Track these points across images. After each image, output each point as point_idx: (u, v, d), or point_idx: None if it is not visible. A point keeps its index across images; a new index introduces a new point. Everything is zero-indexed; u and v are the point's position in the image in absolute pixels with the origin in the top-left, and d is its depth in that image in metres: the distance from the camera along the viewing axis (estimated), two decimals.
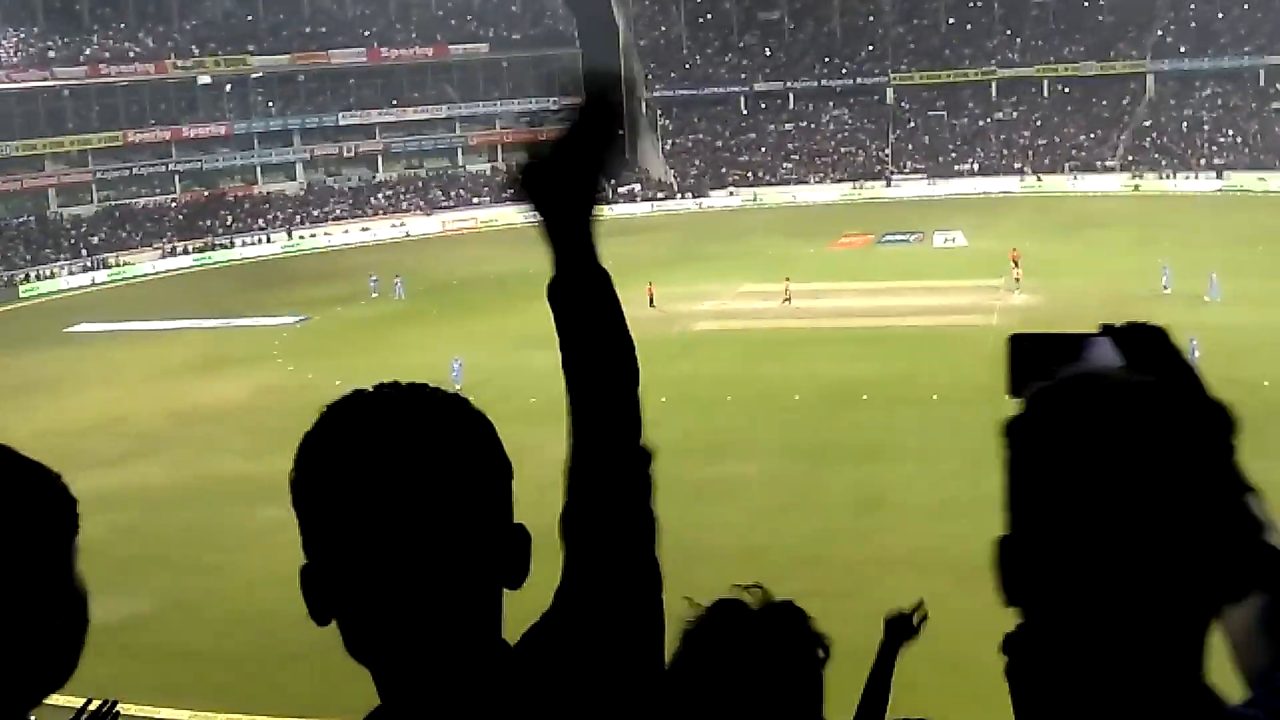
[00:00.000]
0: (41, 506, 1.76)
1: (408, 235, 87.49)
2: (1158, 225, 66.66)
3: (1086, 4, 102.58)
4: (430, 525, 1.49)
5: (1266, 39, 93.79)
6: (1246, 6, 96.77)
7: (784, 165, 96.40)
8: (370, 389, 1.59)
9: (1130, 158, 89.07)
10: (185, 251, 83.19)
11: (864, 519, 27.96)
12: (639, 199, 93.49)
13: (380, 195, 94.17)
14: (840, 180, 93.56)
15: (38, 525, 1.75)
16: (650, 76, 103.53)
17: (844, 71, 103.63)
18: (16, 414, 42.81)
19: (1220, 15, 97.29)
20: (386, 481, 1.48)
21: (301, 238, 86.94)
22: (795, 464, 32.02)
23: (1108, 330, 1.69)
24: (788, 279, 53.61)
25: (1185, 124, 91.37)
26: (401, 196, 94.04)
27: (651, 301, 53.84)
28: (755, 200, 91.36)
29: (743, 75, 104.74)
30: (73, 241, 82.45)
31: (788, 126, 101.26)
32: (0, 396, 45.42)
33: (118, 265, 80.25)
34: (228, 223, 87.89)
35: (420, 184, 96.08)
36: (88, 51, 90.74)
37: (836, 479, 30.60)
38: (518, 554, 1.61)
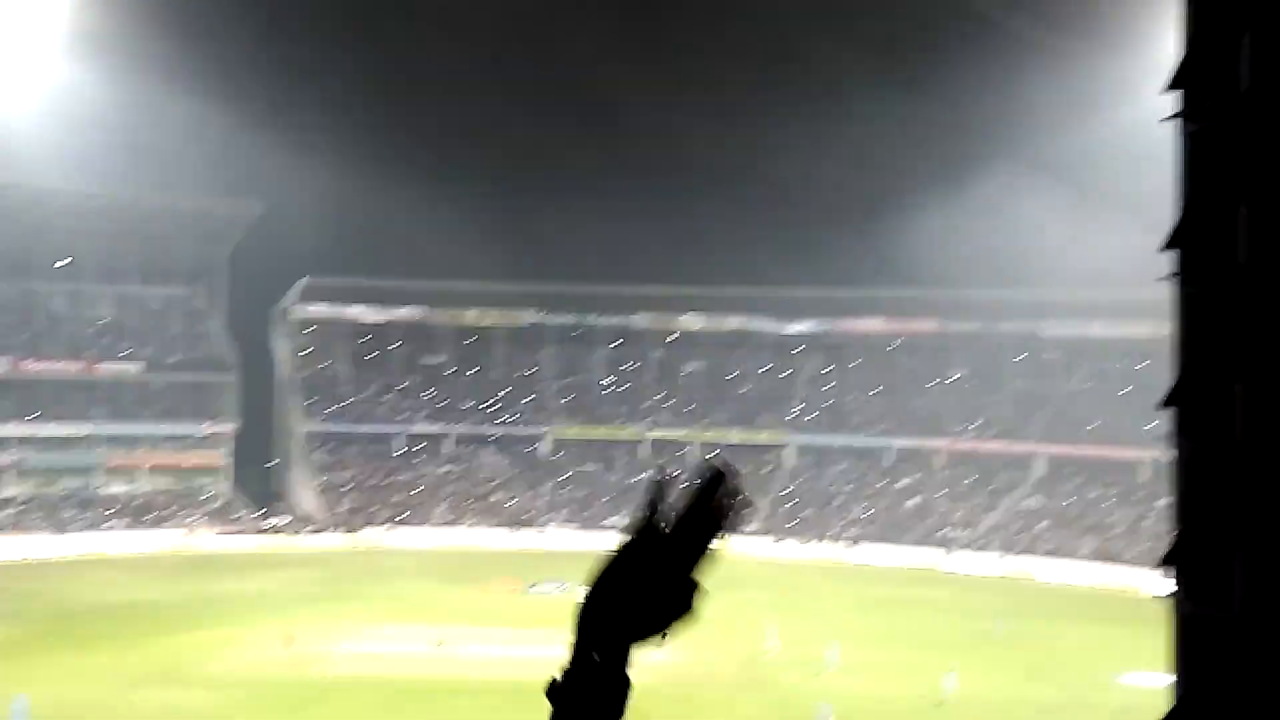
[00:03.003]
0: None
1: (29, 557, 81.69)
2: (792, 589, 69.44)
3: (732, 378, 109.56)
4: None
5: (893, 422, 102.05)
6: (874, 392, 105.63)
7: (439, 507, 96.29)
8: None
9: (771, 523, 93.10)
10: None
11: None
12: (286, 532, 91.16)
13: (5, 512, 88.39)
14: (494, 525, 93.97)
15: None
16: (308, 409, 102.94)
17: (501, 419, 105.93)
18: None
19: (850, 399, 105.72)
20: None
21: None
22: None
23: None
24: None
25: (821, 495, 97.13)
26: (27, 515, 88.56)
27: (288, 642, 51.87)
28: (407, 541, 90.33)
29: (401, 415, 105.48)
30: None
31: (444, 468, 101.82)
32: None
33: None
34: None
35: (52, 503, 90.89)
36: None
37: None
38: None
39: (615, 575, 1.94)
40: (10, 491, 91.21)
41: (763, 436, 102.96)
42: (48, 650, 49.99)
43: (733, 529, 1.95)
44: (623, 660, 1.88)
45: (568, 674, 1.89)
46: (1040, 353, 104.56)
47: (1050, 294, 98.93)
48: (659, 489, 1.95)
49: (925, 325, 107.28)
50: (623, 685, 1.87)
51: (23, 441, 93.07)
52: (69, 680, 42.35)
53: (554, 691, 1.89)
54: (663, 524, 1.95)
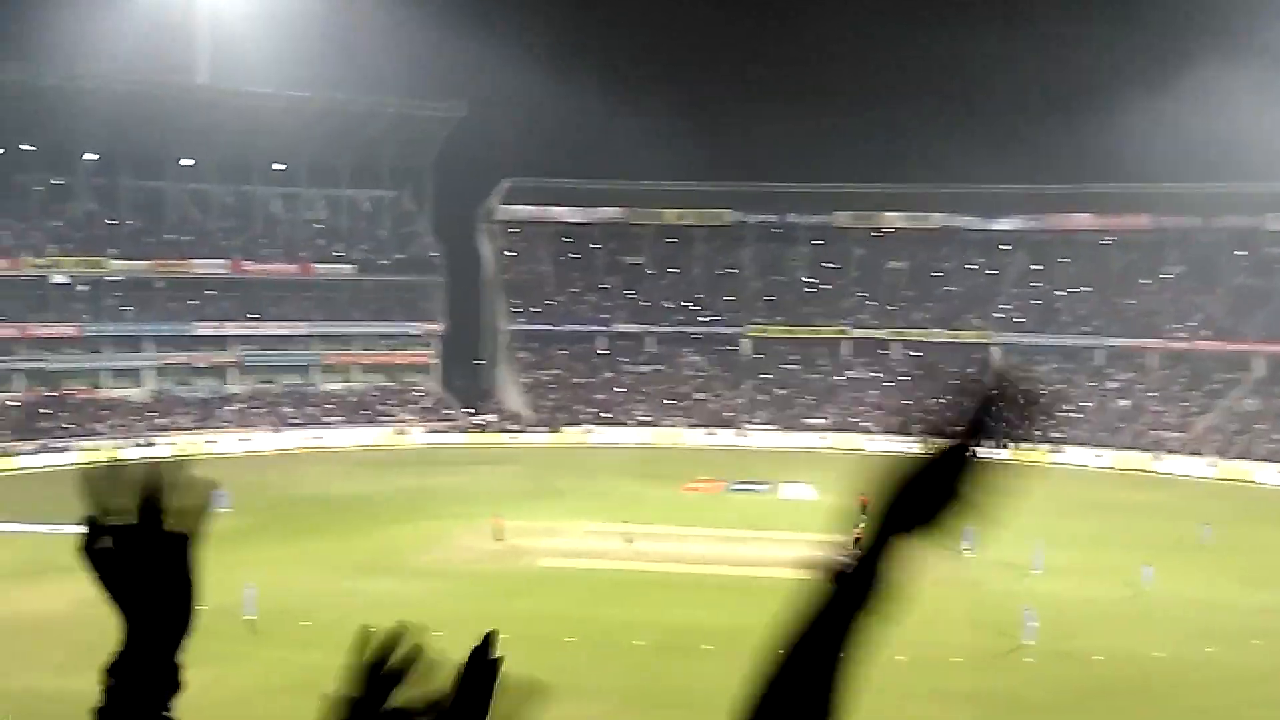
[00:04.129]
0: None
1: (254, 450, 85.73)
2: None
3: (935, 276, 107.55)
4: None
5: (1104, 321, 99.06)
6: (1084, 290, 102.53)
7: (639, 406, 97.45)
8: None
9: None
10: (19, 453, 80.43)
11: None
12: (492, 429, 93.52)
13: (229, 408, 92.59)
14: (693, 425, 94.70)
15: None
16: (513, 309, 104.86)
17: (702, 319, 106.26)
18: None
19: (1059, 297, 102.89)
20: None
21: (150, 444, 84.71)
22: (635, 711, 31.41)
23: None
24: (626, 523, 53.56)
25: None
26: (250, 411, 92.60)
27: (498, 535, 53.41)
28: (608, 438, 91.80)
29: (603, 315, 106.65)
30: None
31: (644, 369, 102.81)
32: None
33: None
34: (67, 425, 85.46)
35: (271, 399, 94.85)
36: None
37: None
38: None
39: (925, 473, 1.94)
40: (233, 388, 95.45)
41: (967, 336, 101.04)
42: (269, 540, 52.42)
43: (1028, 438, 1.91)
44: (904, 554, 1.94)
45: (861, 559, 1.92)
46: (1261, 248, 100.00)
47: (1273, 187, 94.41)
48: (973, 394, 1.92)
49: (1138, 221, 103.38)
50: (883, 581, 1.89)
51: (243, 340, 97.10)
52: (290, 569, 44.37)
53: (842, 576, 1.93)
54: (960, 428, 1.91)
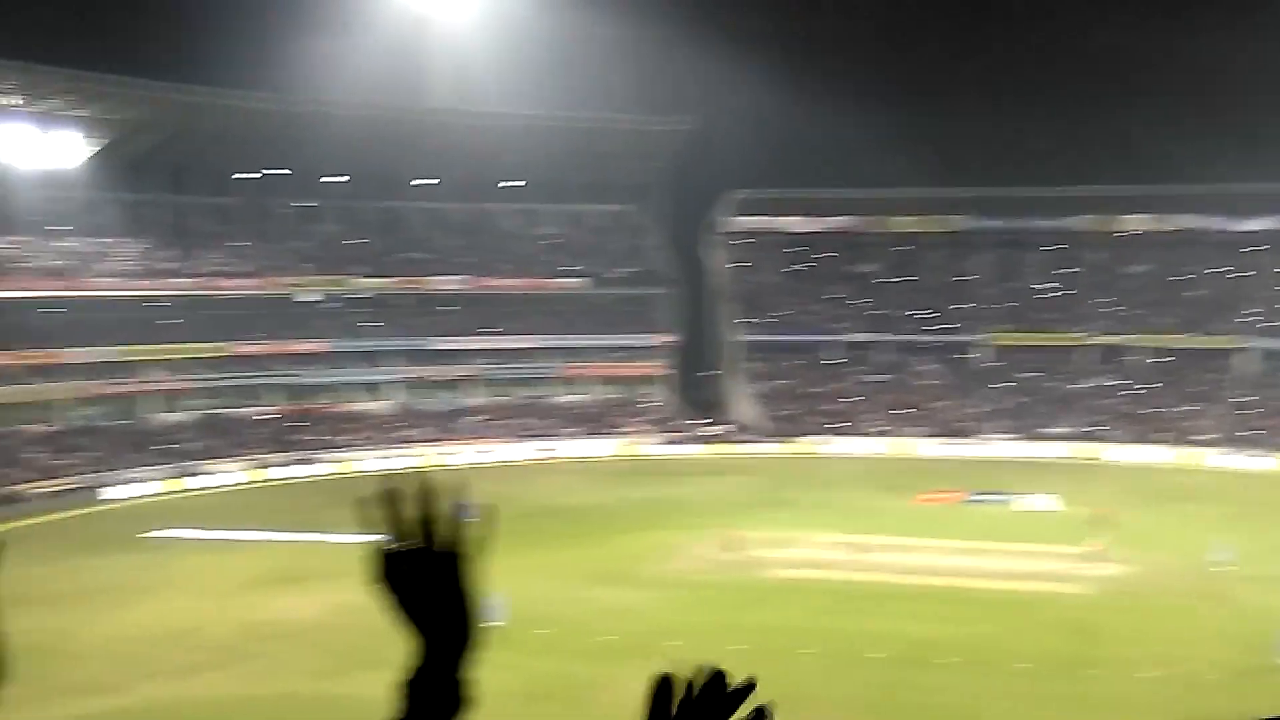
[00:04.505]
0: None
1: (491, 461, 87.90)
2: (1252, 503, 65.50)
3: (1179, 279, 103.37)
4: None
5: None
6: None
7: (872, 416, 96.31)
8: None
9: (1224, 433, 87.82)
10: (273, 465, 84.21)
11: None
12: (724, 440, 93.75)
13: (467, 420, 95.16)
14: (928, 435, 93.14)
15: None
16: (743, 319, 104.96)
17: (936, 327, 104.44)
18: (86, 619, 42.94)
19: None
20: None
21: (394, 456, 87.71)
22: None
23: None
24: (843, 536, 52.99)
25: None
26: (488, 423, 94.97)
27: (732, 546, 53.48)
28: (842, 449, 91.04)
29: (835, 324, 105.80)
30: (162, 448, 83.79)
31: (877, 378, 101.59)
32: (72, 601, 45.54)
33: (203, 474, 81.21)
34: (317, 438, 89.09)
35: (508, 411, 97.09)
36: (196, 264, 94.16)
37: None
38: None
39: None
40: (471, 401, 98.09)
41: (1214, 341, 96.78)
42: (509, 549, 53.24)
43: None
44: None
45: None
46: None
47: None
48: None
49: None
50: None
51: (481, 354, 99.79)
52: (529, 577, 45.18)
53: None
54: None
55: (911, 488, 71.34)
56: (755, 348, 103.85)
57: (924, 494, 69.82)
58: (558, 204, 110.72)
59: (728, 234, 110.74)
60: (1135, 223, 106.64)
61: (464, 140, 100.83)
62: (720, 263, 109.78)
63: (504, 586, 42.89)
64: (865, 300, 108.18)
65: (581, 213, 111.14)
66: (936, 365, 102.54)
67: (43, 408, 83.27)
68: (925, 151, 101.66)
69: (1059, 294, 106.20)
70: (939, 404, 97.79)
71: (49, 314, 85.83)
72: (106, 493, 74.90)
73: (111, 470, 78.20)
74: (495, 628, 39.60)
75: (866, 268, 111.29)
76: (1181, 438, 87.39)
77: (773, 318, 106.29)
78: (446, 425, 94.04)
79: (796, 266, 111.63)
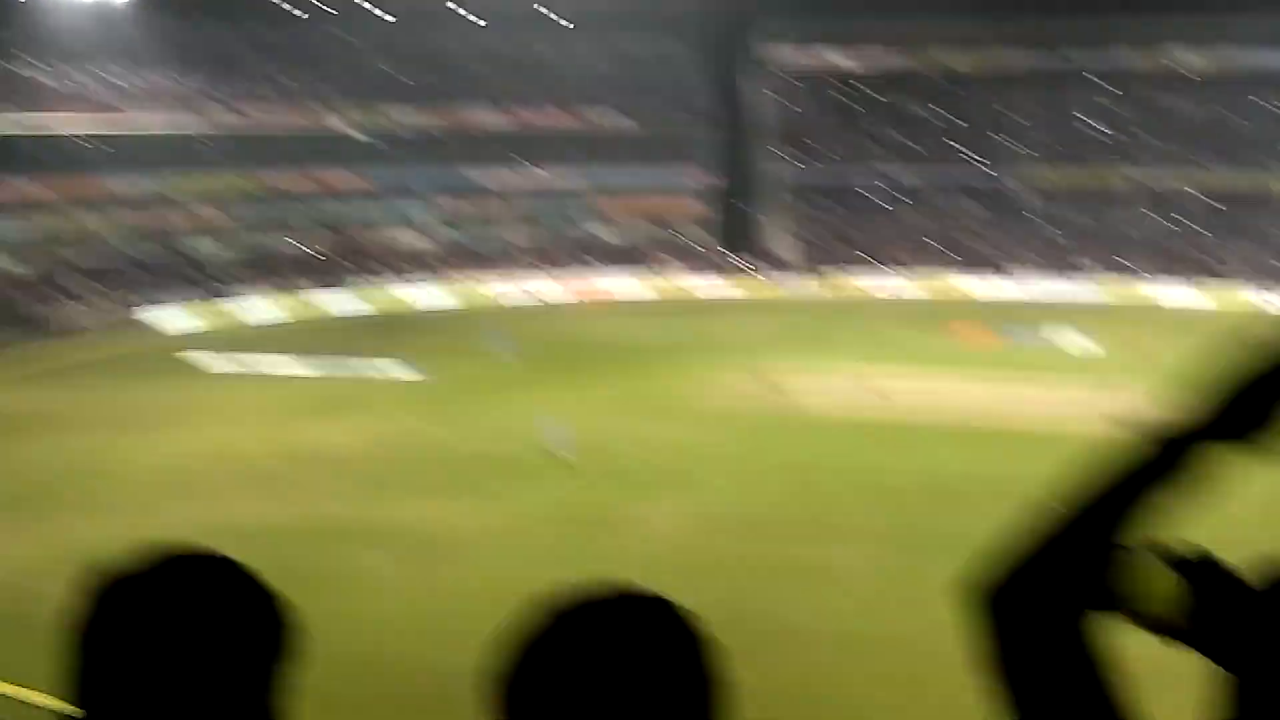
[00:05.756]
0: (251, 627, 1.78)
1: (535, 298, 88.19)
2: None
3: (1234, 120, 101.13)
4: None
5: None
6: None
7: (911, 254, 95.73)
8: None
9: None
10: (313, 297, 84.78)
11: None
12: (761, 276, 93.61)
13: (512, 256, 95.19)
14: (967, 272, 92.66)
15: (242, 646, 1.75)
16: (784, 156, 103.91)
17: (979, 165, 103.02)
18: (126, 443, 43.79)
19: None
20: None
21: (435, 291, 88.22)
22: (902, 554, 31.56)
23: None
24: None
25: None
26: (526, 258, 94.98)
27: (765, 380, 53.77)
28: (879, 285, 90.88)
29: (877, 162, 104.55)
30: (205, 279, 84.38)
31: (919, 215, 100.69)
32: (120, 427, 46.36)
33: (244, 305, 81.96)
34: (359, 270, 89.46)
35: (545, 247, 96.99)
36: (240, 97, 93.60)
37: (941, 574, 30.04)
38: None
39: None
40: (509, 236, 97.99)
41: (1268, 182, 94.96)
42: (551, 385, 53.94)
43: None
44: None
45: (1179, 436, 1.87)
46: None
47: None
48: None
49: None
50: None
51: (518, 189, 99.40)
52: (574, 411, 45.55)
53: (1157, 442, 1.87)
54: None
55: (949, 326, 71.21)
56: (796, 185, 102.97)
57: (959, 331, 69.70)
58: (597, 36, 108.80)
59: (769, 68, 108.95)
60: (1185, 58, 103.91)
61: None
62: (761, 98, 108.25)
63: (555, 419, 43.38)
64: (909, 138, 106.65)
65: (621, 45, 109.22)
66: (978, 203, 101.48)
67: (84, 238, 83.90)
68: None
69: (1103, 132, 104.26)
70: (979, 242, 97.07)
71: (92, 145, 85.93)
72: (147, 321, 75.87)
73: (153, 302, 79.07)
74: (565, 458, 40.10)
75: (910, 104, 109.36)
76: (1230, 283, 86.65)
77: (815, 155, 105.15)
78: (485, 261, 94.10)
79: (840, 102, 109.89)
